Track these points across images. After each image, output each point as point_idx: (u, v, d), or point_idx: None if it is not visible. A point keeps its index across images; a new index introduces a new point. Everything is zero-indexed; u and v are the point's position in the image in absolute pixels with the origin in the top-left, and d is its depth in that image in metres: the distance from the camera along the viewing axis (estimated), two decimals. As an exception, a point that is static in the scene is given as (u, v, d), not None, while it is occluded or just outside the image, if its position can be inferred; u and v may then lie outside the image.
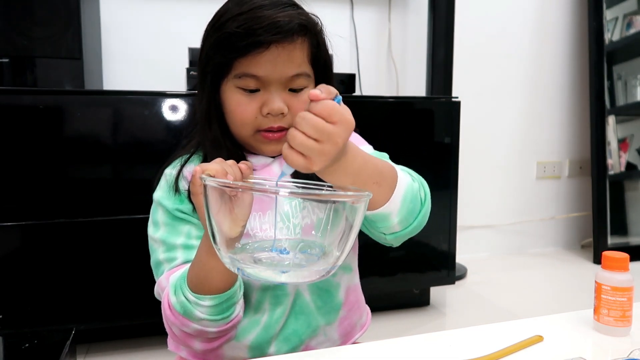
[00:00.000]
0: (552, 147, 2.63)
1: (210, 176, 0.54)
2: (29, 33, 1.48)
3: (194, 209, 0.71)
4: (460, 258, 2.16)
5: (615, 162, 2.46)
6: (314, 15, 0.72)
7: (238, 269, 0.52)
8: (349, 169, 0.57)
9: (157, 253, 0.74)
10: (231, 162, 0.60)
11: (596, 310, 0.67)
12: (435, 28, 2.03)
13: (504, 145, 2.55)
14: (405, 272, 1.76)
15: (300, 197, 0.53)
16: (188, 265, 0.68)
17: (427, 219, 0.72)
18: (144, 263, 1.59)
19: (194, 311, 0.64)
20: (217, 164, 0.57)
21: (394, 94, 2.30)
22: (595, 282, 0.67)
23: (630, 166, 2.50)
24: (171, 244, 0.72)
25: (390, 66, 2.31)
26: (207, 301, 0.64)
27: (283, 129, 0.70)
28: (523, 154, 2.59)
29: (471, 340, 0.64)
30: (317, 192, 0.57)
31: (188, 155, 0.77)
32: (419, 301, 1.92)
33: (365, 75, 2.22)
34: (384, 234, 0.69)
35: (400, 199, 0.64)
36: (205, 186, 0.51)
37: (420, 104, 1.79)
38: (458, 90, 2.08)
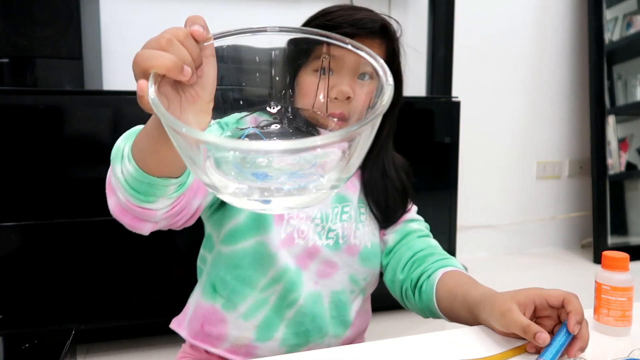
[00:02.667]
0: (552, 147, 2.63)
1: (159, 75, 0.43)
2: (29, 33, 1.48)
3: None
4: (460, 258, 2.16)
5: (615, 162, 2.46)
6: (395, 20, 0.79)
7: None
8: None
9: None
10: (182, 34, 0.45)
11: (596, 310, 0.67)
12: (435, 28, 2.03)
13: (504, 145, 2.55)
14: (405, 272, 1.76)
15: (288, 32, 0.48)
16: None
17: None
18: (144, 263, 1.59)
19: (118, 164, 0.59)
20: (166, 56, 0.43)
21: (394, 94, 2.29)
22: (595, 281, 0.67)
23: (630, 166, 2.50)
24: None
25: (390, 66, 2.31)
26: (132, 167, 0.56)
27: (343, 118, 0.69)
28: (523, 153, 2.59)
29: (471, 340, 0.64)
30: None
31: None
32: (419, 301, 1.92)
33: (365, 75, 2.22)
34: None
35: None
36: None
37: (420, 104, 1.79)
38: (458, 90, 2.08)
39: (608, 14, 2.43)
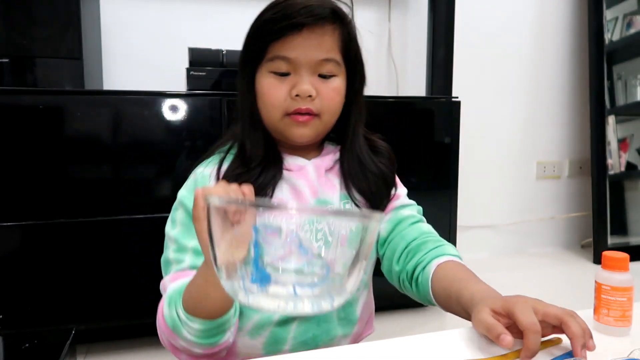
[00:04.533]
0: (552, 147, 2.63)
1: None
2: (29, 33, 1.48)
3: None
4: (460, 258, 2.16)
5: (615, 162, 2.46)
6: (345, 3, 0.76)
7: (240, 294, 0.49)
8: None
9: (168, 251, 0.74)
10: (234, 186, 0.58)
11: (596, 310, 0.67)
12: (435, 28, 2.03)
13: (504, 145, 2.55)
14: (405, 272, 1.76)
15: (310, 214, 0.50)
16: (190, 276, 0.67)
17: None
18: (144, 263, 1.59)
19: (182, 330, 0.64)
20: (220, 187, 0.56)
21: (394, 94, 2.29)
22: (595, 282, 0.67)
23: (630, 166, 2.50)
24: (183, 245, 0.72)
25: (390, 66, 2.31)
26: (197, 324, 0.63)
27: (311, 113, 0.72)
28: (523, 154, 2.59)
29: (471, 340, 0.64)
30: (327, 209, 0.54)
31: (224, 154, 0.77)
32: (419, 301, 1.92)
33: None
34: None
35: None
36: (208, 208, 0.49)
37: (420, 104, 1.79)
38: (458, 90, 2.08)
39: (608, 14, 2.43)
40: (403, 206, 0.83)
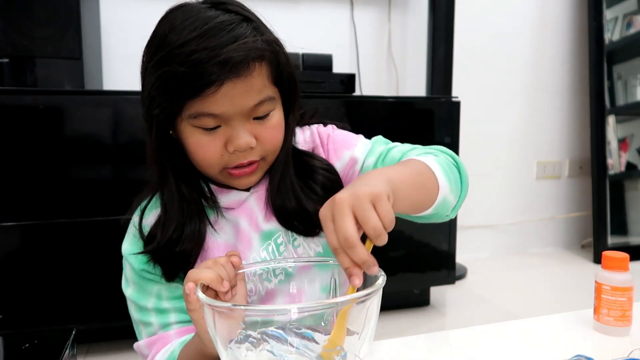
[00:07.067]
0: (552, 147, 2.63)
1: (205, 285, 0.53)
2: (29, 33, 1.48)
3: (162, 273, 0.66)
4: (460, 258, 2.16)
5: (615, 162, 2.46)
6: (269, 30, 0.65)
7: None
8: (401, 202, 0.55)
9: (131, 310, 0.72)
10: (223, 260, 0.56)
11: (596, 310, 0.67)
12: (435, 28, 2.03)
13: (504, 145, 2.55)
14: (405, 272, 1.76)
15: (311, 312, 0.49)
16: (167, 341, 0.67)
17: (468, 176, 0.69)
18: (144, 263, 1.57)
19: None
20: (210, 271, 0.53)
21: (394, 94, 2.29)
22: (595, 282, 0.67)
23: (630, 166, 2.50)
24: (142, 306, 0.69)
25: (390, 66, 2.31)
26: None
27: (254, 162, 0.64)
28: (523, 154, 2.59)
29: (471, 340, 0.64)
30: (327, 302, 0.49)
31: (146, 202, 0.72)
32: (419, 301, 1.92)
33: (365, 75, 2.22)
34: (447, 215, 0.67)
35: (445, 180, 0.62)
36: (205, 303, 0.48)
37: (420, 104, 1.79)
38: (458, 90, 2.08)
39: (608, 14, 2.43)
40: (366, 158, 0.72)
